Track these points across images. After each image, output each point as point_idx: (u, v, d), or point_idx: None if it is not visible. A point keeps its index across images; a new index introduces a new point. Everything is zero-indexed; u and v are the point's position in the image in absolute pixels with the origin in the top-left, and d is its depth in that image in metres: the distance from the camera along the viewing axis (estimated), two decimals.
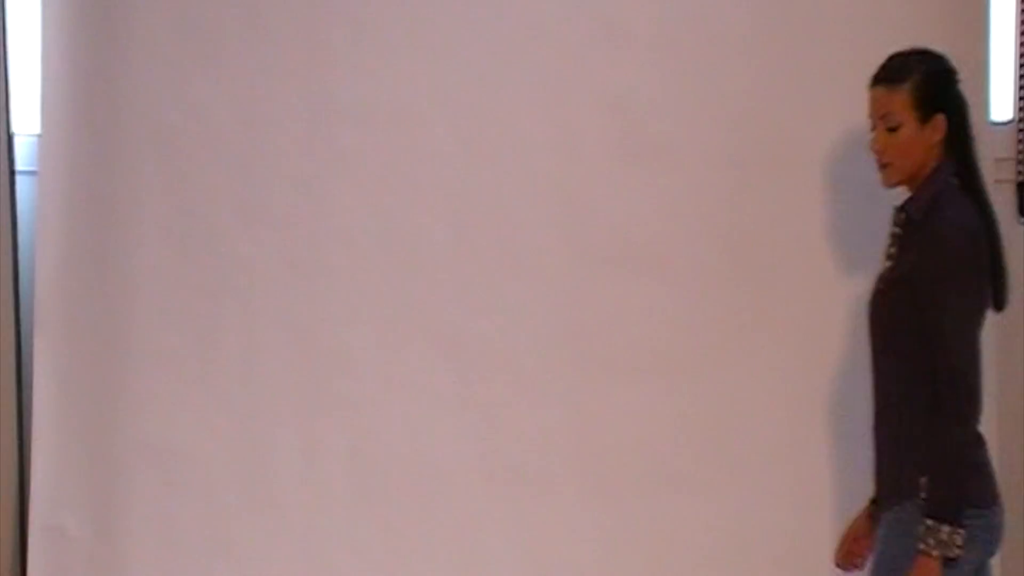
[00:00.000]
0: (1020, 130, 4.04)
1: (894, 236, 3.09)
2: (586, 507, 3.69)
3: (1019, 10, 4.00)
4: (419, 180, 3.67)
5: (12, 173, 3.85)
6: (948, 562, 2.83)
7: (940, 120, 3.03)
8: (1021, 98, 4.02)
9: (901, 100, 3.05)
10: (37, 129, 3.77)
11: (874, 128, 3.09)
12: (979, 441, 2.99)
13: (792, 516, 3.72)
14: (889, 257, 3.09)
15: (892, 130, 3.05)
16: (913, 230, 3.02)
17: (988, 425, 3.84)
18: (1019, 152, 4.04)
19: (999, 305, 3.03)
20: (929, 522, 2.83)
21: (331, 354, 3.70)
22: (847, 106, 3.70)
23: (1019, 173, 4.05)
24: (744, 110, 3.66)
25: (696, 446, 3.67)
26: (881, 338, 3.04)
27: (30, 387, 3.78)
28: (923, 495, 2.87)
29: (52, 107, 3.75)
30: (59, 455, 3.73)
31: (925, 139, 3.03)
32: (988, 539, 2.96)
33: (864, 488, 3.76)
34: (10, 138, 3.85)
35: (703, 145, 3.65)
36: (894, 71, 3.07)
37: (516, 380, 3.67)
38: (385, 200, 3.68)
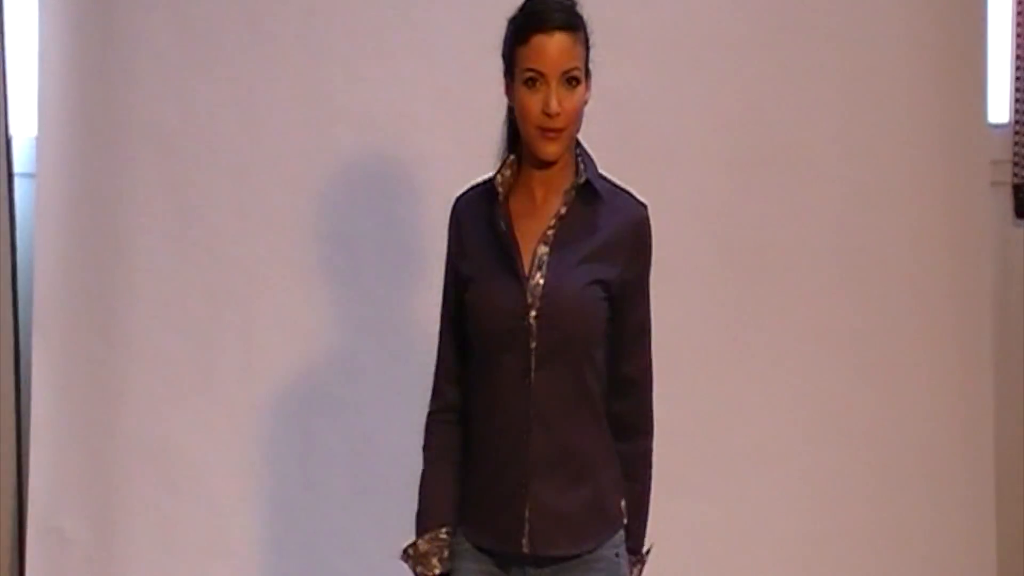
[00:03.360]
0: (1016, 132, 4.06)
1: None
2: None
3: (1016, 12, 4.02)
4: (418, 182, 3.67)
5: (10, 175, 3.85)
6: None
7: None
8: (1017, 100, 4.04)
9: (582, 53, 2.41)
10: (35, 131, 3.77)
11: (547, 83, 2.41)
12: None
13: (792, 516, 3.72)
14: None
15: (574, 85, 2.41)
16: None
17: (987, 425, 3.87)
18: (1015, 155, 4.05)
19: None
20: None
21: (330, 356, 3.69)
22: (847, 106, 3.73)
23: (1015, 176, 4.06)
24: (743, 110, 3.67)
25: (695, 446, 3.67)
26: None
27: (29, 389, 3.77)
28: None
29: (50, 109, 3.74)
30: (58, 457, 3.72)
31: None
32: None
33: (864, 489, 3.78)
34: (8, 140, 3.85)
35: (702, 145, 3.65)
36: (575, 16, 2.40)
37: None
38: (384, 202, 3.68)
